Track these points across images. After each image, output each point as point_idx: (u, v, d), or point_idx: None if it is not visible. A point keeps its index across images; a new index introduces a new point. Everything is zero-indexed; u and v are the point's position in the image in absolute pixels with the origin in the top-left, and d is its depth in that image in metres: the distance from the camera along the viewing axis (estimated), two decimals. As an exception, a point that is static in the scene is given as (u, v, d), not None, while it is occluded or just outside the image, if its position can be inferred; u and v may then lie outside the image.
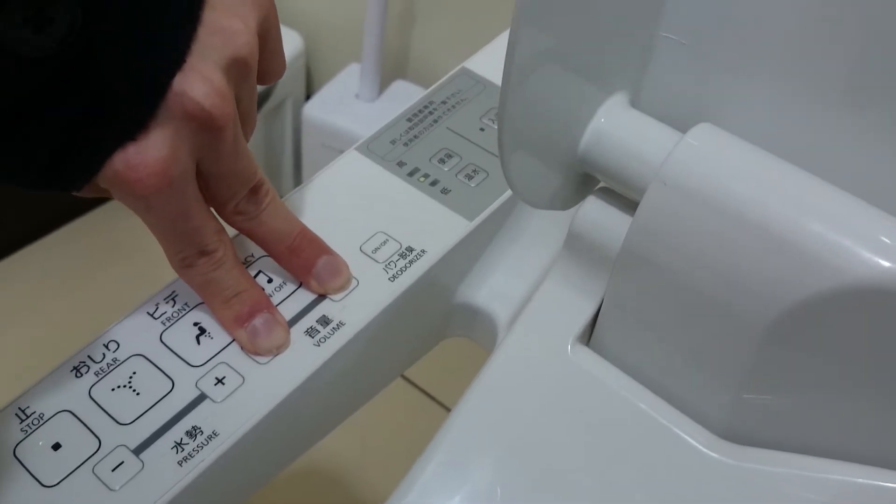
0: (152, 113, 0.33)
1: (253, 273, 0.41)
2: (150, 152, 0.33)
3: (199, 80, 0.33)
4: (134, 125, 0.33)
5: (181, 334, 0.39)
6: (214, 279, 0.38)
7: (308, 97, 1.16)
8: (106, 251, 1.23)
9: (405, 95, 1.11)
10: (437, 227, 0.43)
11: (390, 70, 1.14)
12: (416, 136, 0.47)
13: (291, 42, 1.17)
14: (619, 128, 0.36)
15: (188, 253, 0.37)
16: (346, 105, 1.12)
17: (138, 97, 0.33)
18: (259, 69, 0.37)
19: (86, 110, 0.32)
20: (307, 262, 0.40)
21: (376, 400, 0.45)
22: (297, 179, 1.27)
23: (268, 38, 0.38)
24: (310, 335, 0.39)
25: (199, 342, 0.39)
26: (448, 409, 0.38)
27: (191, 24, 0.33)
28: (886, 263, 0.31)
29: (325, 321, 0.40)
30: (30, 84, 0.31)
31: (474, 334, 0.46)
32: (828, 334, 0.33)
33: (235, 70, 0.35)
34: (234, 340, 0.39)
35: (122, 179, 0.33)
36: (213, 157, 0.36)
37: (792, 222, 0.32)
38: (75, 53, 0.31)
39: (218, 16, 0.34)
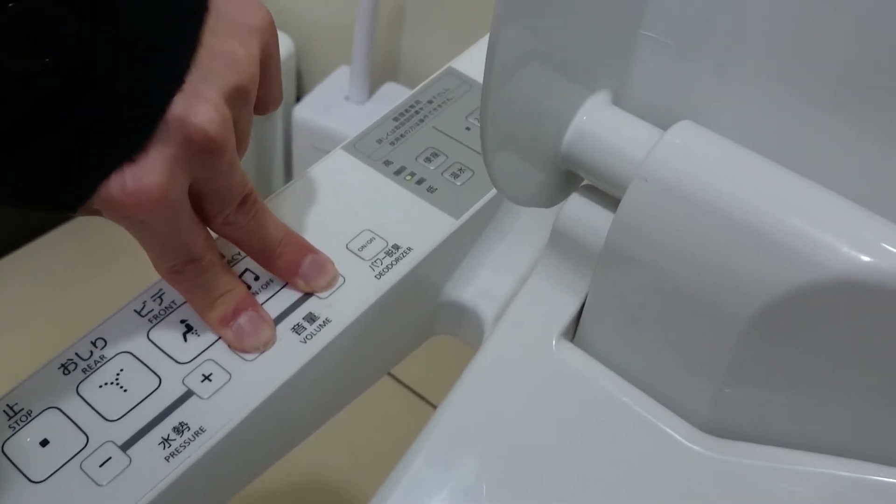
0: (151, 134, 0.33)
1: (240, 271, 0.41)
2: (149, 177, 0.33)
3: (203, 105, 0.33)
4: (132, 146, 0.32)
5: (168, 331, 0.39)
6: (200, 284, 0.38)
7: (298, 99, 1.16)
8: (102, 251, 1.23)
9: (395, 97, 1.10)
10: (423, 225, 0.43)
11: (380, 72, 1.14)
12: (402, 136, 0.47)
13: (281, 44, 1.16)
14: (600, 126, 0.37)
15: (176, 261, 0.37)
16: (336, 107, 1.12)
17: (136, 117, 0.32)
18: (256, 98, 0.37)
19: (82, 131, 0.31)
20: (293, 264, 0.41)
21: (363, 398, 0.46)
22: (287, 181, 1.27)
23: (268, 67, 0.38)
24: (296, 332, 0.39)
25: (185, 339, 0.39)
26: (435, 407, 0.38)
27: (190, 45, 0.33)
28: (865, 258, 0.31)
29: (311, 318, 0.40)
30: (25, 102, 0.30)
31: (461, 332, 0.47)
32: (807, 329, 0.33)
33: (236, 96, 0.35)
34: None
35: (118, 204, 0.33)
36: (209, 177, 0.36)
37: (772, 217, 0.32)
38: (71, 72, 0.30)
39: (221, 41, 0.34)
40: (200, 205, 0.37)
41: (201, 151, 0.34)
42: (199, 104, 0.33)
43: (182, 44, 0.33)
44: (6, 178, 0.32)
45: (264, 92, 0.38)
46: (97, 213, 0.35)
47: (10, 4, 0.28)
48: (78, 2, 0.29)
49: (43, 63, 0.29)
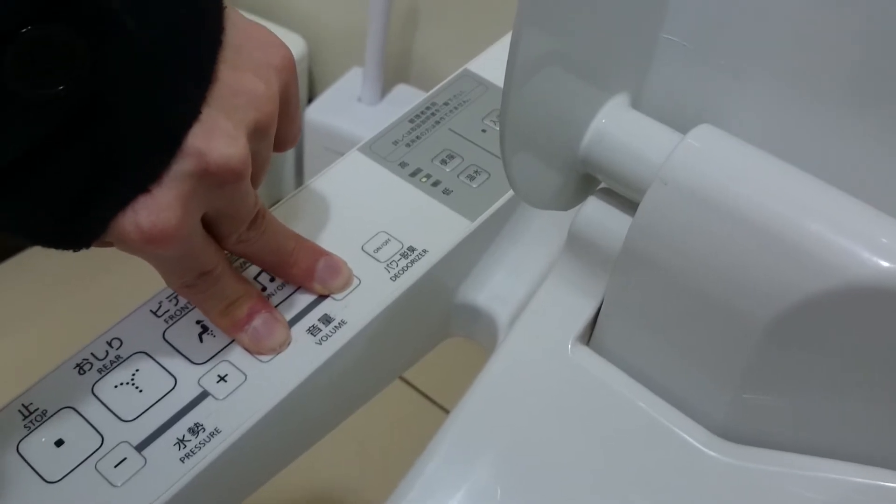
0: (166, 165, 0.32)
1: (254, 273, 0.41)
2: (164, 214, 0.32)
3: (223, 138, 0.33)
4: (146, 176, 0.32)
5: (184, 332, 0.39)
6: (213, 294, 0.38)
7: (310, 100, 1.16)
8: (109, 251, 1.23)
9: (407, 99, 1.11)
10: (438, 228, 0.43)
11: (393, 74, 1.14)
12: (418, 137, 0.47)
13: (294, 45, 1.17)
14: (620, 129, 0.36)
15: (188, 277, 0.37)
16: (349, 108, 1.12)
17: (149, 147, 0.32)
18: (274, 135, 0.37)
19: (95, 159, 0.31)
20: (308, 269, 0.41)
21: (375, 401, 0.45)
22: (299, 183, 1.27)
23: (287, 106, 0.38)
24: (311, 333, 0.39)
25: (201, 340, 0.39)
26: (447, 412, 0.38)
27: (205, 76, 0.33)
28: (885, 263, 0.31)
29: (326, 320, 0.40)
30: (38, 130, 0.30)
31: (475, 334, 0.47)
32: (827, 334, 0.33)
33: (256, 131, 0.35)
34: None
35: (132, 241, 0.33)
36: (223, 205, 0.35)
37: (791, 222, 0.32)
38: (84, 100, 0.30)
39: (242, 77, 0.34)
40: (211, 227, 0.37)
41: (219, 184, 0.34)
42: (218, 137, 0.33)
43: (195, 74, 0.33)
44: (16, 208, 0.31)
45: (282, 130, 0.38)
46: (109, 244, 0.34)
47: (23, 31, 0.27)
48: (91, 31, 0.29)
49: (56, 91, 0.29)
